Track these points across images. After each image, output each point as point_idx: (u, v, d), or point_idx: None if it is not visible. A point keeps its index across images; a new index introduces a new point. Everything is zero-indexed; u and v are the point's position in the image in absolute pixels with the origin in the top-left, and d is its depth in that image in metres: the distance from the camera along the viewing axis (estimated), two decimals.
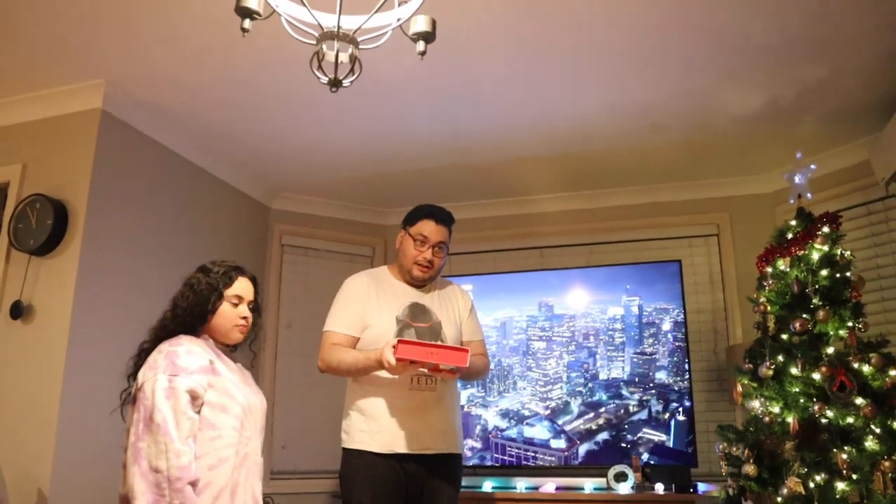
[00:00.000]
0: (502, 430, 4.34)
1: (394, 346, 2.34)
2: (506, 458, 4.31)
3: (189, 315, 2.04)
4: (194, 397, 1.88)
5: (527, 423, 4.34)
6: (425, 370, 2.48)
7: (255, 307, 2.18)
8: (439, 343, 2.60)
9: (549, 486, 3.94)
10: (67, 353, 3.08)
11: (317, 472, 4.52)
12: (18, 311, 3.23)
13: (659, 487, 3.73)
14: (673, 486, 3.71)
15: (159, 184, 3.81)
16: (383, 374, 2.50)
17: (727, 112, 3.64)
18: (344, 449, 2.62)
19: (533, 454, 4.27)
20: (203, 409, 1.91)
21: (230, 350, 2.17)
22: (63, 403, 3.04)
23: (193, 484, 1.80)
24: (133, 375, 2.00)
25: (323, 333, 2.70)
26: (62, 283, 3.23)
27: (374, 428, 2.55)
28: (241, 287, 2.13)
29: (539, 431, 4.31)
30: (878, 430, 2.71)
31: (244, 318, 2.12)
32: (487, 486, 4.04)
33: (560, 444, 4.25)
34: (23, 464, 3.04)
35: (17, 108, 3.57)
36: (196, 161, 4.10)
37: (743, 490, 3.05)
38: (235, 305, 2.10)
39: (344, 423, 2.66)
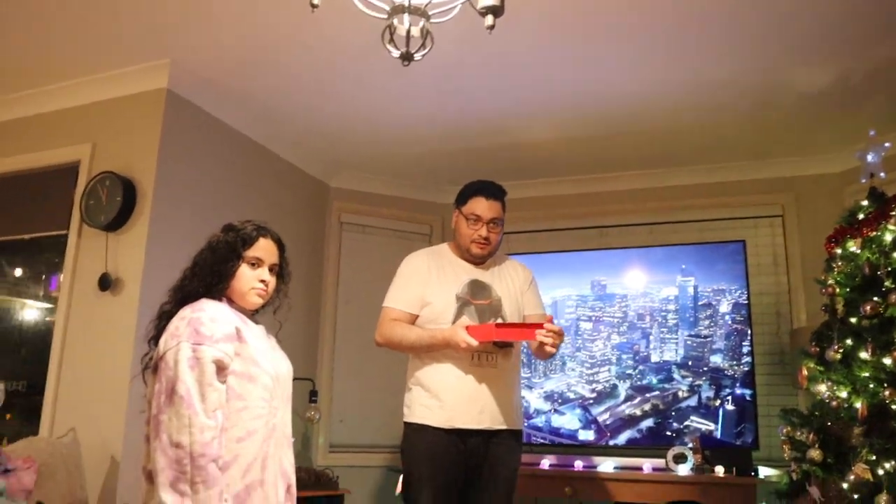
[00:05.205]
0: (529, 419, 4.28)
1: (466, 328, 2.45)
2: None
3: (208, 275, 1.88)
4: (220, 367, 1.75)
5: (556, 412, 4.29)
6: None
7: (280, 272, 2.03)
8: (520, 322, 2.70)
9: (607, 464, 3.93)
10: (137, 324, 3.18)
11: (374, 446, 4.60)
12: (107, 282, 3.34)
13: (719, 470, 3.67)
14: (734, 468, 3.65)
15: (222, 161, 3.88)
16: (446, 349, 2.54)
17: (794, 89, 3.54)
18: (405, 423, 2.65)
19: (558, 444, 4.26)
20: (229, 380, 1.77)
21: (252, 315, 2.01)
22: (134, 373, 3.14)
23: (216, 461, 1.67)
24: (154, 339, 1.87)
25: (382, 309, 2.73)
26: (132, 257, 3.34)
27: (436, 403, 2.57)
28: (263, 248, 1.95)
29: (569, 420, 4.26)
30: None
31: (262, 281, 1.94)
32: (545, 463, 4.04)
33: (588, 435, 4.20)
34: (98, 431, 3.16)
35: (86, 88, 3.67)
36: (258, 139, 4.16)
37: (807, 475, 3.00)
38: (254, 267, 1.94)
39: (406, 398, 2.69)
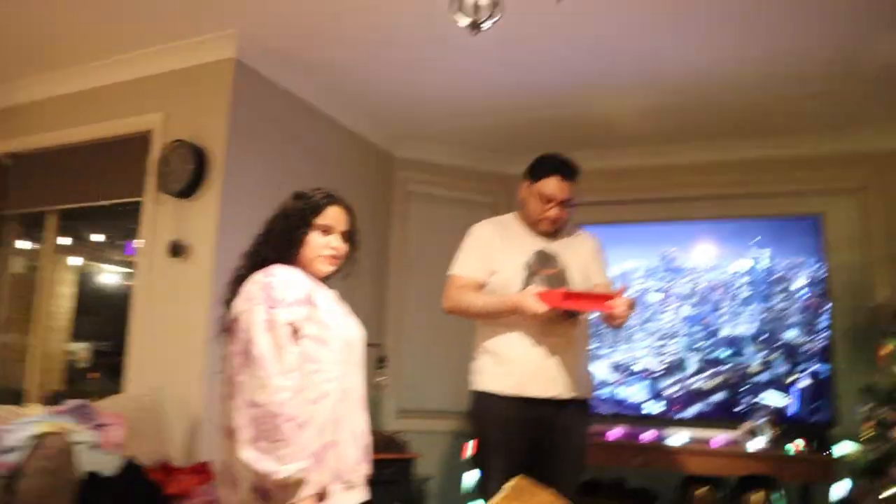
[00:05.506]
0: (596, 390, 4.24)
1: (537, 294, 2.41)
2: None
3: (280, 242, 1.93)
4: (294, 330, 1.79)
5: (623, 383, 4.25)
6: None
7: (351, 239, 2.04)
8: (591, 292, 2.62)
9: (678, 436, 3.86)
10: (211, 288, 3.27)
11: (441, 411, 4.65)
12: (178, 248, 3.44)
13: (794, 446, 3.56)
14: (809, 445, 3.54)
15: (289, 130, 3.92)
16: (514, 317, 2.51)
17: (878, 59, 3.35)
18: (474, 390, 2.65)
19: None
20: (302, 342, 1.81)
21: (325, 280, 2.02)
22: (210, 335, 3.22)
23: (292, 421, 1.71)
24: (229, 302, 1.90)
25: (449, 276, 2.72)
26: (205, 223, 3.41)
27: (504, 370, 2.56)
28: (333, 215, 1.98)
29: (636, 392, 4.21)
30: None
31: (333, 248, 1.97)
32: (612, 433, 4.00)
33: (656, 407, 4.16)
34: (179, 390, 3.28)
35: (157, 58, 3.73)
36: (324, 109, 4.18)
37: (888, 455, 2.88)
38: (325, 234, 1.96)
39: (474, 365, 2.68)
